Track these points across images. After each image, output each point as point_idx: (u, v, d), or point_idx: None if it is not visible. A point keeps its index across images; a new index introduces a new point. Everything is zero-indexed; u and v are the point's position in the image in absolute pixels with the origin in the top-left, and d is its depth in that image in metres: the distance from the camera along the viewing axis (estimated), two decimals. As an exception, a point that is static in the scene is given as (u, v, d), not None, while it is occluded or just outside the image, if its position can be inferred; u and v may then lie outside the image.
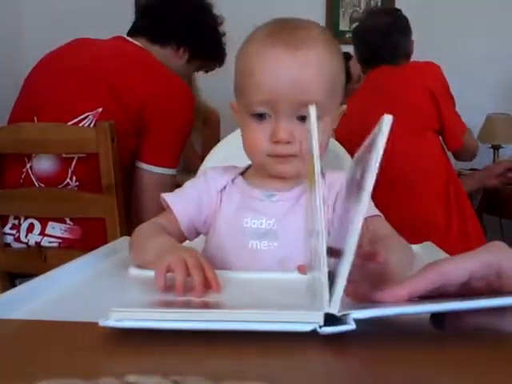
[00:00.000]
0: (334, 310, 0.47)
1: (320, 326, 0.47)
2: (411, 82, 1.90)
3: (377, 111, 1.91)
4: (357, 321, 0.47)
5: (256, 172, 0.87)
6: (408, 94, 1.89)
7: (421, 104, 1.88)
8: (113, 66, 1.53)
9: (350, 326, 0.46)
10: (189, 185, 0.90)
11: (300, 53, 0.77)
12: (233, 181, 0.88)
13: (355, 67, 2.49)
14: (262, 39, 0.80)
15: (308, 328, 0.47)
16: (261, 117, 0.80)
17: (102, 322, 0.48)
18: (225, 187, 0.87)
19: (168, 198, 0.87)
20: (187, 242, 0.91)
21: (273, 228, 0.82)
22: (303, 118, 0.79)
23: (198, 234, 0.89)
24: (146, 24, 1.67)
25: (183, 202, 0.86)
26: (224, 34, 1.75)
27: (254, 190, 0.86)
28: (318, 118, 0.79)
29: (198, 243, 0.92)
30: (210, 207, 0.86)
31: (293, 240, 0.80)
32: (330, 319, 0.47)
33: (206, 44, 1.73)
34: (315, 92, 0.78)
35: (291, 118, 0.79)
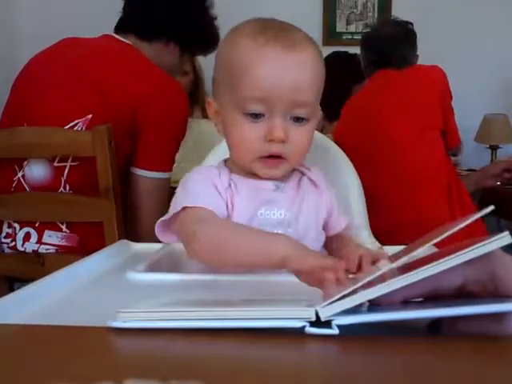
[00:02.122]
0: (323, 313, 0.49)
1: (311, 324, 0.49)
2: (421, 82, 1.95)
3: (386, 107, 1.94)
4: (353, 325, 0.48)
5: (241, 170, 0.85)
6: (418, 92, 1.93)
7: (430, 103, 1.91)
8: (101, 69, 1.49)
9: (333, 331, 0.48)
10: (195, 187, 0.83)
11: (297, 53, 0.77)
12: (230, 179, 0.85)
13: None
14: (254, 36, 0.78)
15: (298, 324, 0.49)
16: (256, 116, 0.78)
17: (110, 324, 0.50)
18: (230, 184, 0.84)
19: (190, 201, 0.79)
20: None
21: (285, 218, 0.83)
22: (297, 119, 0.79)
23: None
24: (134, 20, 1.61)
25: (207, 197, 0.80)
26: (216, 18, 1.67)
27: (263, 182, 0.84)
28: (308, 119, 0.81)
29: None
30: (224, 202, 0.82)
31: (303, 225, 0.83)
32: (320, 322, 0.49)
33: (197, 36, 1.66)
34: (310, 93, 0.79)
35: (286, 118, 0.79)
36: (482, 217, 0.50)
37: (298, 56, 0.77)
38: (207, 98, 0.89)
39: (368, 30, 2.21)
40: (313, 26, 3.10)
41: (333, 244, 0.91)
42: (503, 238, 0.47)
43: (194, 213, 0.77)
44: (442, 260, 0.48)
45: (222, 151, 1.18)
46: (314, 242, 0.85)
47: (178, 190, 0.84)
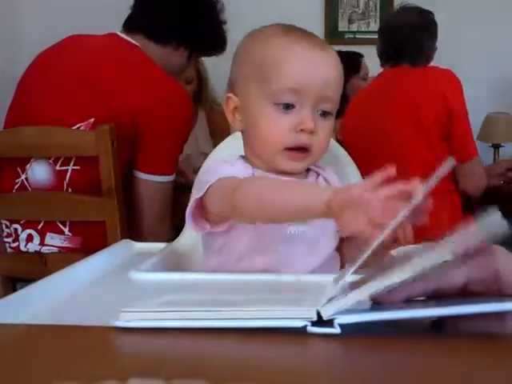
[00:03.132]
0: (325, 312, 0.49)
1: (312, 324, 0.49)
2: (428, 86, 1.89)
3: (388, 108, 1.88)
4: (355, 324, 0.48)
5: (261, 165, 0.86)
6: (422, 96, 1.88)
7: (433, 109, 1.86)
8: (104, 74, 1.48)
9: (335, 330, 0.48)
10: (225, 166, 0.83)
11: (326, 52, 0.82)
12: (253, 170, 0.86)
13: (365, 66, 2.68)
14: (284, 34, 0.82)
15: (300, 324, 0.49)
16: (287, 107, 0.81)
17: (114, 323, 0.51)
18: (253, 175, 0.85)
19: (216, 176, 0.79)
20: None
21: None
22: (323, 113, 0.83)
23: None
24: (145, 20, 1.59)
25: (238, 173, 0.81)
26: (225, 22, 1.66)
27: (285, 178, 0.85)
28: (332, 114, 0.84)
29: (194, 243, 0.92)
30: None
31: (321, 224, 0.84)
32: (322, 321, 0.49)
33: (207, 41, 1.66)
34: (336, 89, 0.83)
35: (314, 111, 0.82)
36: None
37: (327, 54, 0.82)
38: (213, 97, 0.91)
39: (387, 16, 2.14)
40: (315, 25, 3.09)
41: (345, 249, 0.92)
42: (493, 217, 0.46)
43: (230, 179, 0.77)
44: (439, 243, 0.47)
45: (224, 150, 1.18)
46: (329, 243, 0.87)
47: (200, 176, 0.84)
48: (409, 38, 1.96)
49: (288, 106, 0.81)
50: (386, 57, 2.05)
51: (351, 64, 2.27)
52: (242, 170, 0.84)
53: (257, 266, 0.81)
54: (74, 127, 1.43)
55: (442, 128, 1.88)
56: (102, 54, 1.53)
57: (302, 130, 0.81)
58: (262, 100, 0.82)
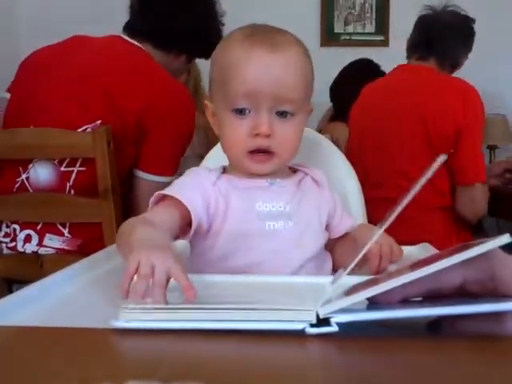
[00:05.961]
0: (322, 311, 0.49)
1: (311, 326, 0.49)
2: (440, 100, 1.83)
3: (400, 116, 1.82)
4: (351, 323, 0.48)
5: (236, 170, 0.89)
6: (432, 110, 1.83)
7: (441, 123, 1.81)
8: (110, 73, 1.48)
9: (333, 328, 0.49)
10: (182, 179, 0.88)
11: (281, 53, 0.82)
12: (219, 177, 0.88)
13: None
14: (242, 40, 0.83)
15: (299, 326, 0.49)
16: (241, 112, 0.82)
17: (114, 323, 0.51)
18: (216, 182, 0.86)
19: (169, 191, 0.83)
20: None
21: (285, 210, 0.85)
22: (281, 114, 0.83)
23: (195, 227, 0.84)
24: (148, 27, 1.60)
25: (189, 193, 0.83)
26: (223, 25, 1.69)
27: (253, 180, 0.87)
28: (293, 114, 0.84)
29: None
30: (210, 198, 0.84)
31: (304, 219, 0.86)
32: (319, 322, 0.49)
33: (208, 48, 1.69)
34: (292, 89, 0.83)
35: (271, 113, 0.82)
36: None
37: (281, 56, 0.82)
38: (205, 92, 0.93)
39: (428, 11, 2.06)
40: (310, 26, 3.10)
41: (339, 248, 0.93)
42: (502, 238, 0.47)
43: (153, 208, 0.82)
44: (440, 260, 0.48)
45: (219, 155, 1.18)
46: (315, 238, 0.88)
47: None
48: (444, 35, 1.94)
49: (243, 112, 0.82)
50: (415, 47, 2.00)
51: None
52: (203, 182, 0.85)
53: (240, 263, 0.82)
54: (81, 129, 1.43)
55: (449, 143, 1.81)
56: (108, 56, 1.54)
57: (257, 135, 0.82)
58: (224, 107, 0.84)
